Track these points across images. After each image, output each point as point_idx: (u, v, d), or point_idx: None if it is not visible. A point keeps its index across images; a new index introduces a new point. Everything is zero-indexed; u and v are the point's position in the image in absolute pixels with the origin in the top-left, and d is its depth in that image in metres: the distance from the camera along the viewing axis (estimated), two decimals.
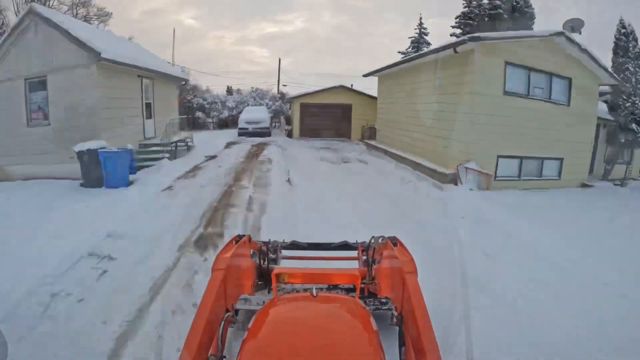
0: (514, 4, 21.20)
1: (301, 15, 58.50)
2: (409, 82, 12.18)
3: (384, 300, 2.82)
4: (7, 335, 1.98)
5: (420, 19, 24.78)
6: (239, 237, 2.83)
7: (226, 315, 1.92)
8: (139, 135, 11.31)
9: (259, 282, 2.95)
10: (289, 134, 19.10)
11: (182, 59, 30.55)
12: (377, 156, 13.23)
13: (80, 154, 8.14)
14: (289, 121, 20.18)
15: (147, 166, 10.02)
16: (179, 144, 12.29)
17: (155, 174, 9.27)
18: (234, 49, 52.46)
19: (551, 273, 4.38)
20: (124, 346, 2.91)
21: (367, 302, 2.85)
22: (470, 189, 8.19)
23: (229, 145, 15.15)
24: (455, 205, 7.14)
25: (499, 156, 8.97)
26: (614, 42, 12.03)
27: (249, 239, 2.86)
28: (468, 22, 22.86)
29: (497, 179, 8.93)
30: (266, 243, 3.25)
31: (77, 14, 23.53)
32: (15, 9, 22.59)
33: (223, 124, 23.16)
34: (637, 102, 11.59)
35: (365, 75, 15.43)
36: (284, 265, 3.35)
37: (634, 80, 11.58)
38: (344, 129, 18.45)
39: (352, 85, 18.87)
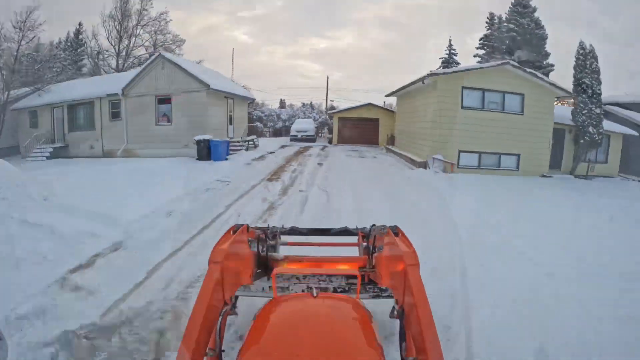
0: (526, 26, 24.23)
1: (351, 32, 62.55)
2: (409, 102, 16.81)
3: (383, 288, 2.80)
4: (199, 195, 7.37)
5: (450, 40, 28.76)
6: (237, 226, 2.70)
7: (224, 309, 1.91)
8: (224, 135, 17.07)
9: (258, 271, 2.87)
10: (330, 141, 24.49)
11: (238, 73, 37.04)
12: (388, 155, 18.04)
13: (198, 141, 14.04)
14: (330, 131, 25.64)
15: (232, 153, 15.64)
16: (249, 142, 17.92)
17: (239, 157, 14.92)
18: (286, 63, 58.62)
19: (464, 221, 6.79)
20: (236, 202, 8.03)
21: (367, 288, 2.92)
22: (436, 172, 12.47)
23: (283, 147, 20.61)
24: (418, 178, 11.56)
25: (460, 151, 13.17)
26: (574, 61, 15.12)
27: (247, 227, 2.75)
28: (489, 44, 26.16)
29: (459, 167, 13.11)
30: (265, 230, 3.18)
31: (156, 39, 30.16)
32: (107, 34, 29.40)
33: (277, 133, 29.06)
34: (592, 109, 14.79)
35: (386, 96, 20.22)
36: (283, 251, 3.34)
37: (590, 91, 14.75)
38: (373, 137, 23.32)
39: (384, 102, 24.06)
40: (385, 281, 2.42)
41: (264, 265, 2.94)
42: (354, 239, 3.48)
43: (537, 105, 13.73)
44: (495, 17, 26.84)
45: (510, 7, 25.01)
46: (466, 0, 48.78)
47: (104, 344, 3.07)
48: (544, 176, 14.09)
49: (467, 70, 13.05)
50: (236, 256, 2.28)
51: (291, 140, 24.11)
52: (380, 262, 2.58)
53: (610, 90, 15.35)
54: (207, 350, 1.62)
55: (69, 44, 29.22)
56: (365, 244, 3.17)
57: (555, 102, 24.31)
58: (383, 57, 60.12)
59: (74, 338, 3.09)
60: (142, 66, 16.97)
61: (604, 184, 13.45)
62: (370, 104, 23.55)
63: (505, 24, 25.38)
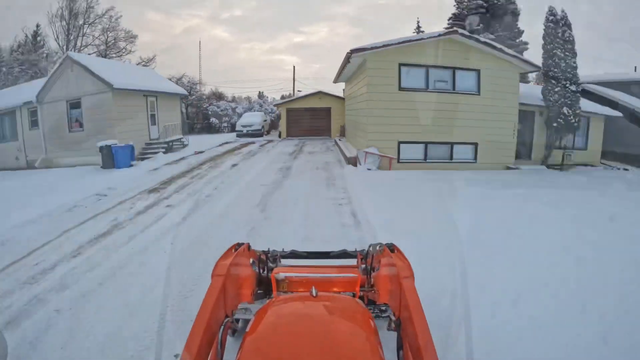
0: (495, 1, 21.91)
1: (324, 27, 61.88)
2: (350, 87, 14.42)
3: (383, 307, 2.84)
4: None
5: (418, 22, 26.39)
6: (238, 245, 2.77)
7: (225, 320, 1.92)
8: (145, 137, 15.09)
9: (259, 291, 2.89)
10: (279, 135, 22.08)
11: (213, 69, 35.09)
12: (333, 149, 15.68)
13: (100, 148, 12.14)
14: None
15: (148, 157, 13.82)
16: (175, 142, 15.67)
17: (150, 162, 12.89)
18: (264, 59, 57.40)
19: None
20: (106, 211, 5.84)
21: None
22: (369, 169, 10.13)
23: (222, 144, 18.28)
24: (340, 180, 9.30)
25: (400, 142, 10.76)
26: (543, 30, 12.66)
27: (248, 247, 2.82)
28: (459, 23, 23.95)
29: (400, 161, 10.72)
30: (265, 252, 3.23)
31: (107, 37, 28.41)
32: (55, 35, 28.03)
33: (234, 128, 26.77)
34: (567, 85, 12.36)
35: (334, 82, 17.60)
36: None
37: (563, 64, 12.29)
38: (325, 128, 21.02)
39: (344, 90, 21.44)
40: (383, 298, 2.39)
41: (265, 286, 2.90)
42: (352, 262, 3.43)
43: (498, 83, 11.33)
44: None
45: None
46: None
47: None
48: (509, 168, 11.75)
49: (404, 42, 10.50)
50: (238, 272, 2.32)
51: (237, 136, 21.90)
52: (378, 280, 2.57)
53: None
54: None
55: (26, 47, 27.50)
56: (363, 265, 3.10)
57: (533, 83, 22.12)
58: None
59: None
60: (52, 71, 15.38)
61: (581, 177, 11.01)
62: (320, 92, 21.12)
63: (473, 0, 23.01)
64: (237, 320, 2.78)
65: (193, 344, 1.56)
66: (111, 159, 12.14)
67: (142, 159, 13.41)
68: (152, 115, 15.68)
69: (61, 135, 14.34)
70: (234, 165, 12.06)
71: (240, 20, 56.25)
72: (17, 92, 16.94)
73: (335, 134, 20.15)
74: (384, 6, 53.53)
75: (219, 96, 30.19)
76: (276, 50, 59.74)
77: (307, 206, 7.10)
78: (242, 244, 2.80)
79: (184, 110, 18.60)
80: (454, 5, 24.60)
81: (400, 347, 1.91)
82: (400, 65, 10.40)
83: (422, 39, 10.79)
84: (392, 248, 2.66)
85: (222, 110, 26.82)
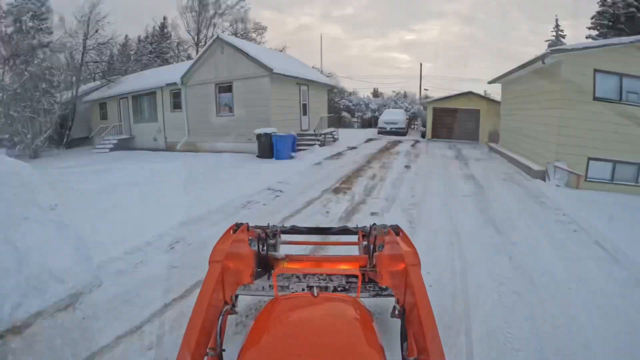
0: None
1: (436, 25, 58.77)
2: (520, 91, 12.99)
3: (384, 287, 2.81)
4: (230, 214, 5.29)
5: (557, 20, 23.43)
6: (237, 225, 2.70)
7: (225, 308, 1.90)
8: (297, 127, 15.35)
9: (259, 270, 2.84)
10: (423, 135, 21.12)
11: (329, 65, 35.91)
12: (492, 156, 14.37)
13: (258, 136, 12.41)
14: (424, 124, 22.45)
15: (303, 149, 13.80)
16: (327, 136, 16.03)
17: (309, 154, 12.91)
18: (376, 55, 57.59)
19: None
20: (296, 214, 6.28)
21: (367, 287, 2.94)
22: (557, 186, 9.09)
23: (368, 140, 18.27)
24: (543, 195, 8.21)
25: (590, 158, 9.37)
26: None
27: (247, 226, 2.74)
28: (603, 23, 20.78)
29: (587, 179, 9.37)
30: (265, 228, 3.16)
31: (236, 28, 29.87)
32: (186, 25, 30.22)
33: (366, 124, 26.77)
34: None
35: (489, 83, 16.23)
36: (283, 250, 3.33)
37: None
38: (473, 132, 19.41)
39: (485, 91, 19.94)
40: (385, 280, 2.35)
41: (265, 264, 2.93)
42: (354, 238, 3.47)
43: None
44: None
45: None
46: None
47: None
48: None
49: (604, 46, 9.03)
50: (237, 255, 2.27)
51: (379, 132, 21.62)
52: (380, 261, 2.50)
53: None
54: (207, 350, 1.60)
55: (154, 38, 30.79)
56: (365, 243, 3.15)
57: None
58: (472, 47, 54.56)
59: None
60: (201, 51, 15.59)
61: None
62: (470, 93, 19.54)
63: None
64: (237, 297, 2.76)
65: (191, 334, 1.52)
66: (269, 148, 12.06)
67: (297, 151, 13.02)
68: (304, 105, 15.96)
69: (207, 119, 14.36)
70: (406, 166, 11.23)
71: (351, 18, 58.00)
72: (157, 74, 18.15)
73: (484, 139, 18.64)
74: (498, 3, 48.33)
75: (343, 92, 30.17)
76: (388, 47, 59.96)
77: (549, 238, 5.38)
78: (241, 224, 2.72)
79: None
80: (598, 2, 21.00)
81: (404, 338, 1.84)
82: (596, 71, 9.01)
83: (623, 43, 9.12)
84: (397, 231, 2.55)
85: (354, 105, 27.14)
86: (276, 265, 2.87)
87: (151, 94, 16.32)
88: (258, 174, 9.54)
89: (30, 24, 18.20)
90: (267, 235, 3.11)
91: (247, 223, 2.78)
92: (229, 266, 2.02)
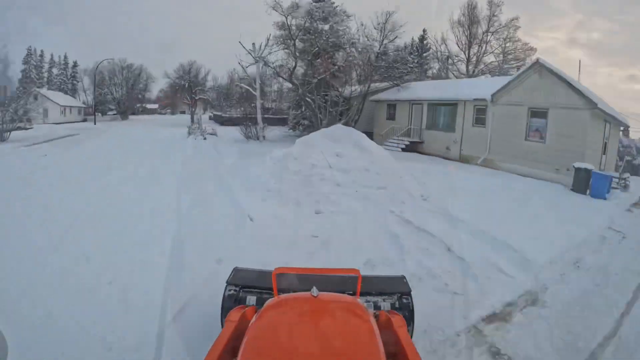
0: None
1: None
2: None
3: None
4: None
5: None
6: (245, 306, 2.75)
7: None
8: (596, 166, 14.03)
9: None
10: None
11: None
12: None
13: (577, 169, 11.87)
14: None
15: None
16: (625, 181, 14.07)
17: (616, 198, 11.62)
18: (623, 87, 50.73)
19: None
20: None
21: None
22: None
23: None
24: None
25: None
26: None
27: (255, 309, 2.67)
28: None
29: None
30: None
31: (505, 47, 28.86)
32: (456, 39, 30.11)
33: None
34: None
35: None
36: None
37: None
38: None
39: None
40: None
41: None
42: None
43: None
44: None
45: None
46: None
47: None
48: None
49: None
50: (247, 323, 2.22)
51: None
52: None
53: None
54: None
55: (414, 48, 32.24)
56: None
57: None
58: None
59: None
60: (516, 73, 15.78)
61: None
62: None
63: None
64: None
65: None
66: (585, 184, 11.61)
67: None
68: (605, 144, 14.69)
69: (512, 140, 14.42)
70: None
71: (596, 44, 50.32)
72: (455, 87, 18.67)
73: None
74: None
75: None
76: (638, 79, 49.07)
77: None
78: (249, 306, 2.79)
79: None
80: None
81: None
82: None
83: None
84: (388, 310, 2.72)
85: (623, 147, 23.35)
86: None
87: (451, 105, 17.13)
88: (587, 211, 9.27)
89: (324, 26, 21.37)
90: None
91: (256, 306, 2.80)
92: (240, 329, 2.05)
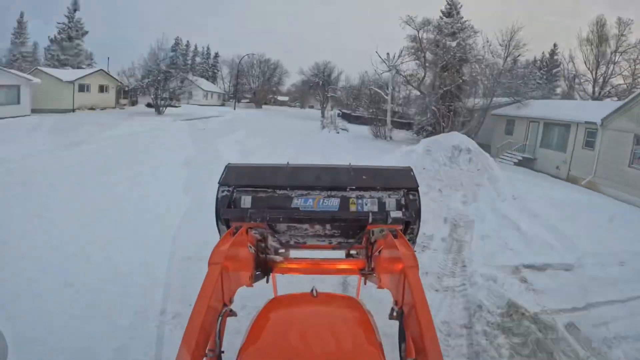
0: None
1: None
2: None
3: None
4: None
5: None
6: (236, 228, 2.62)
7: (224, 310, 1.83)
8: None
9: (257, 273, 2.81)
10: None
11: None
12: None
13: None
14: None
15: None
16: None
17: None
18: None
19: None
20: None
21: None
22: None
23: None
24: None
25: None
26: None
27: (247, 230, 2.67)
28: None
29: None
30: (263, 234, 3.09)
31: (634, 69, 26.85)
32: (584, 58, 28.57)
33: None
34: None
35: None
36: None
37: None
38: None
39: None
40: (384, 283, 2.33)
41: (264, 267, 2.86)
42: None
43: None
44: None
45: None
46: None
47: None
48: None
49: None
50: (236, 258, 2.23)
51: None
52: (378, 264, 2.51)
53: None
54: (206, 352, 1.59)
55: (543, 63, 31.49)
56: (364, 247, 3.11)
57: None
58: None
59: None
60: (625, 100, 15.98)
61: None
62: None
63: None
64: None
65: (191, 337, 1.48)
66: None
67: None
68: None
69: (617, 166, 14.82)
70: None
71: None
72: (575, 108, 19.11)
73: None
74: None
75: None
76: None
77: None
78: (241, 226, 2.60)
79: None
80: None
81: (402, 338, 1.80)
82: None
83: None
84: (395, 234, 2.46)
85: None
86: (275, 267, 2.83)
87: (564, 125, 18.10)
88: None
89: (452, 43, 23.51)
90: (266, 240, 3.03)
91: (247, 227, 2.70)
92: (228, 268, 1.96)
